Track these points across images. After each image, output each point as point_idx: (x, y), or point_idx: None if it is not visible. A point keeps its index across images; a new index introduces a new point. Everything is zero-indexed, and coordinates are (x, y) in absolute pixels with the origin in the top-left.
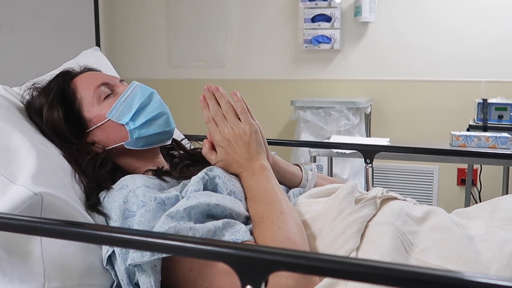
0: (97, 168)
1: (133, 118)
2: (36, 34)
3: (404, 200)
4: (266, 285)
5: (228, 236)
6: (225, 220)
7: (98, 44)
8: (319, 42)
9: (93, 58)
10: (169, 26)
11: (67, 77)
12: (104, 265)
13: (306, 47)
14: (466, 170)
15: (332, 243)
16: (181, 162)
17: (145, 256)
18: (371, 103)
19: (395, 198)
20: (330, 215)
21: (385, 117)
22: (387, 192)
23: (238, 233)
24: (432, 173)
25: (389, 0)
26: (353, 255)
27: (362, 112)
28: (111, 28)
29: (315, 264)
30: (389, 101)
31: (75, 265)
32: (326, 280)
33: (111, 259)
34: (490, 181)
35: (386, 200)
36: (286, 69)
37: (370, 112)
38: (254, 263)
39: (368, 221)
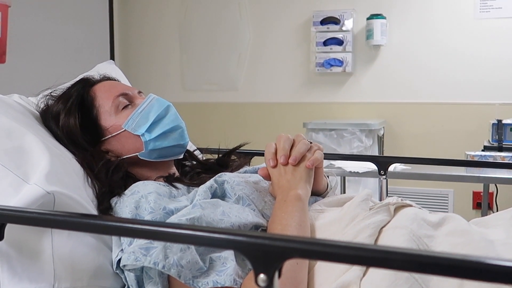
0: (110, 174)
1: (149, 130)
2: (51, 54)
3: (420, 208)
4: (280, 274)
5: (212, 277)
6: (217, 255)
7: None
8: (331, 65)
9: (108, 71)
10: (182, 49)
11: (87, 84)
12: (114, 269)
13: (318, 70)
14: (481, 194)
15: None
16: (192, 170)
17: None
18: (384, 125)
19: (410, 205)
20: (344, 222)
21: (398, 139)
22: (401, 200)
23: (223, 274)
24: (447, 197)
25: (401, 23)
26: None
27: (375, 134)
28: (124, 52)
29: (328, 250)
30: (402, 123)
31: (85, 266)
32: (336, 284)
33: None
34: (506, 205)
35: (400, 207)
36: (299, 92)
37: (383, 134)
38: (267, 251)
39: (382, 227)
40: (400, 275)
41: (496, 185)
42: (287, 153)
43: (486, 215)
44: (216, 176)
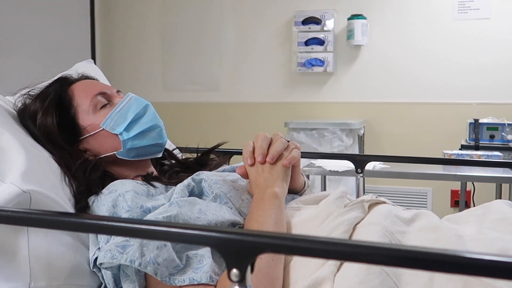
0: (88, 172)
1: (127, 129)
2: (31, 53)
3: (394, 205)
4: (252, 269)
5: (188, 274)
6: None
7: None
8: (313, 65)
9: (86, 70)
10: (164, 49)
11: (64, 83)
12: (91, 267)
13: (299, 70)
14: (459, 192)
15: None
16: (170, 169)
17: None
18: (364, 125)
19: (384, 202)
20: (319, 219)
21: (378, 138)
22: (376, 197)
23: (200, 271)
24: (426, 195)
25: (381, 24)
26: None
27: (355, 134)
28: (106, 51)
29: (299, 244)
30: (382, 122)
31: (62, 265)
32: (311, 280)
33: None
34: (483, 202)
35: (374, 204)
36: (280, 92)
37: (363, 134)
38: (240, 246)
39: (356, 224)
40: (372, 270)
41: (473, 183)
42: (265, 151)
43: None
44: (194, 174)
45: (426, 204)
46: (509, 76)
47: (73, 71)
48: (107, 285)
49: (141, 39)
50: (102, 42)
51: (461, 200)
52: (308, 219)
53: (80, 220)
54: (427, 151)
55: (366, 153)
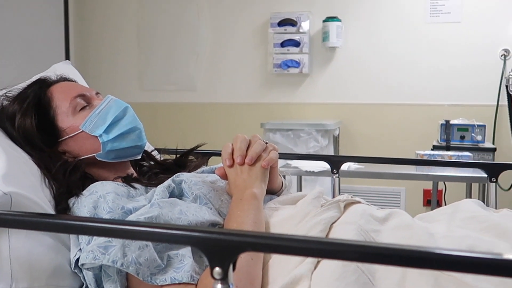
0: (68, 174)
1: (106, 131)
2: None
3: (368, 204)
4: (234, 267)
5: (170, 274)
6: (174, 253)
7: None
8: (288, 66)
9: (64, 71)
10: (140, 49)
11: (43, 85)
12: (72, 268)
13: (275, 71)
14: (431, 191)
15: None
16: (149, 170)
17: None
18: (339, 126)
19: (359, 202)
20: (296, 219)
21: (353, 139)
22: (351, 197)
23: (181, 270)
24: (399, 195)
25: (356, 26)
26: None
27: (330, 134)
28: (80, 52)
29: (278, 243)
30: (357, 123)
31: (43, 266)
32: (290, 278)
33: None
34: (454, 201)
35: (350, 204)
36: (256, 93)
37: (338, 134)
38: (222, 245)
39: (333, 223)
40: (348, 268)
41: (444, 183)
42: (244, 153)
43: None
44: (174, 176)
45: (399, 203)
46: (478, 78)
47: (51, 73)
48: (89, 285)
49: (116, 39)
50: (76, 42)
51: (433, 199)
52: (286, 219)
53: (64, 222)
54: (400, 151)
55: (341, 153)
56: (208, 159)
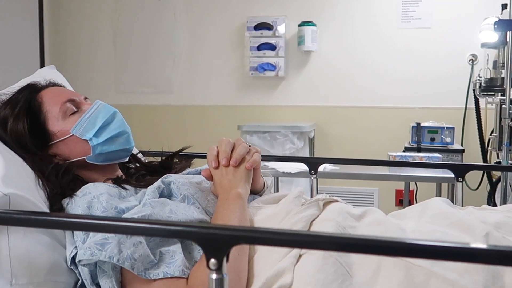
0: (60, 176)
1: (96, 135)
2: None
3: (345, 203)
4: (227, 259)
5: (162, 268)
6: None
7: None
8: (265, 70)
9: (49, 76)
10: (116, 51)
11: (33, 90)
12: (68, 265)
13: (252, 74)
14: (403, 191)
15: None
16: (136, 172)
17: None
18: (314, 128)
19: (336, 201)
20: (279, 216)
21: (328, 140)
22: (329, 196)
23: (173, 265)
24: (373, 195)
25: (330, 31)
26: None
27: (306, 136)
28: (55, 54)
29: (267, 236)
30: (331, 125)
31: (41, 263)
32: (273, 271)
33: (75, 259)
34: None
35: (328, 202)
36: (233, 95)
37: (313, 136)
38: (218, 239)
39: (312, 221)
40: (328, 260)
41: (416, 183)
42: (228, 155)
43: None
44: (163, 177)
45: (373, 203)
46: (448, 82)
47: (37, 77)
48: (84, 281)
49: (92, 41)
50: (51, 44)
51: (405, 199)
52: (269, 217)
53: (58, 219)
54: (373, 152)
55: (316, 155)
56: (191, 161)
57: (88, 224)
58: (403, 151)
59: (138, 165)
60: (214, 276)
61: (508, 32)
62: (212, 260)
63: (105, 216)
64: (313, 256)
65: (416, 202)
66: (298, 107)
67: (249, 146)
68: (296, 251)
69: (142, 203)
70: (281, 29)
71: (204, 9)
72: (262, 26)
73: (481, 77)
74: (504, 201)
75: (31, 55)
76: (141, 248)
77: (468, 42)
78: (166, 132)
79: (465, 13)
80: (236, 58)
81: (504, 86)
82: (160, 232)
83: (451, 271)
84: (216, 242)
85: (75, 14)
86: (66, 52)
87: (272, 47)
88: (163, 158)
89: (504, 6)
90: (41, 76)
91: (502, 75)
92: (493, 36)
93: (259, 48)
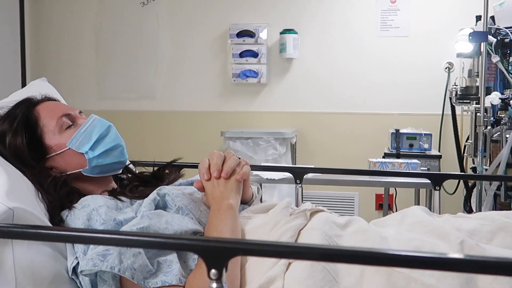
0: (58, 189)
1: (92, 148)
2: None
3: (330, 212)
4: (226, 269)
5: (160, 277)
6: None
7: (24, 74)
8: (247, 76)
9: (42, 88)
10: (98, 57)
11: (30, 104)
12: (70, 275)
13: (234, 80)
14: (383, 196)
15: None
16: (129, 183)
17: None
18: (296, 134)
19: (322, 211)
20: (268, 226)
21: (309, 146)
22: (315, 206)
23: (170, 274)
24: (353, 199)
25: (312, 38)
26: None
27: (288, 142)
28: (36, 59)
29: (264, 248)
30: (313, 131)
31: (44, 273)
32: (265, 278)
33: (75, 270)
34: (405, 205)
35: (315, 212)
36: (216, 101)
37: (295, 142)
38: (218, 251)
39: (300, 230)
40: (316, 267)
41: (395, 189)
42: (220, 167)
43: (387, 215)
44: (157, 189)
45: (353, 207)
46: (425, 89)
47: (31, 91)
48: None
49: (74, 47)
50: (32, 50)
51: (384, 204)
52: (259, 226)
53: (59, 233)
54: (353, 158)
55: (298, 160)
56: (180, 171)
57: (93, 238)
58: (383, 157)
59: (131, 176)
60: (214, 285)
61: (482, 43)
62: (213, 271)
63: (111, 230)
64: (301, 264)
65: (396, 207)
66: (280, 113)
67: (239, 158)
68: (285, 260)
69: (140, 215)
70: (263, 36)
71: (186, 16)
72: (245, 33)
73: (457, 85)
74: (479, 206)
75: (12, 61)
76: (140, 258)
77: (445, 50)
78: (149, 138)
79: (441, 23)
80: (218, 64)
81: (479, 95)
82: (164, 245)
83: (429, 276)
84: (217, 253)
85: (57, 19)
86: (48, 58)
87: (254, 54)
88: (155, 168)
89: (478, 18)
90: (34, 88)
91: (477, 84)
92: (468, 47)
93: (241, 55)
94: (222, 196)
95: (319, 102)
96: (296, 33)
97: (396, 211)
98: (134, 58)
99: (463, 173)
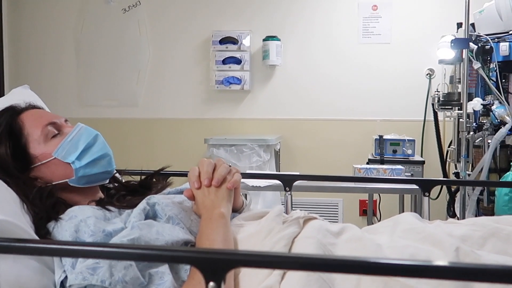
0: (44, 200)
1: (79, 158)
2: None
3: (322, 220)
4: (224, 282)
5: None
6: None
7: (1, 82)
8: (230, 83)
9: (24, 96)
10: (79, 64)
11: (14, 113)
12: None
13: (217, 87)
14: (366, 201)
15: None
16: (116, 193)
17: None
18: (280, 140)
19: (315, 218)
20: (262, 234)
21: (293, 153)
22: (308, 213)
23: (162, 286)
24: (337, 205)
25: (294, 45)
26: None
27: (272, 149)
28: (15, 65)
29: (263, 259)
30: (297, 138)
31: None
32: (262, 286)
33: (63, 284)
34: (388, 210)
35: (307, 220)
36: (199, 108)
37: (279, 149)
38: (217, 262)
39: (294, 238)
40: (311, 277)
41: (379, 194)
42: (210, 176)
43: (372, 220)
44: (146, 199)
45: (337, 213)
46: (407, 95)
47: (13, 98)
48: None
49: (52, 53)
50: (11, 56)
51: (369, 210)
52: (252, 235)
53: (46, 246)
54: (337, 164)
55: (282, 167)
56: (167, 179)
57: (83, 251)
58: (367, 163)
59: (117, 185)
60: None
61: (464, 50)
62: (211, 284)
63: (101, 242)
64: (297, 273)
65: (380, 212)
66: (264, 120)
67: (230, 166)
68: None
69: (130, 225)
70: (246, 43)
71: (169, 23)
72: (227, 40)
73: (439, 91)
74: (463, 211)
75: None
76: (132, 270)
77: (426, 57)
78: (132, 146)
79: (422, 30)
80: (201, 71)
81: (461, 101)
82: (159, 258)
83: (425, 284)
84: (215, 265)
85: (37, 26)
86: (28, 65)
87: (238, 61)
88: (142, 177)
89: (459, 25)
90: (16, 96)
91: (459, 90)
92: (450, 53)
93: (224, 61)
94: (213, 204)
95: (302, 108)
96: (279, 40)
97: (380, 216)
98: (116, 65)
99: (451, 179)
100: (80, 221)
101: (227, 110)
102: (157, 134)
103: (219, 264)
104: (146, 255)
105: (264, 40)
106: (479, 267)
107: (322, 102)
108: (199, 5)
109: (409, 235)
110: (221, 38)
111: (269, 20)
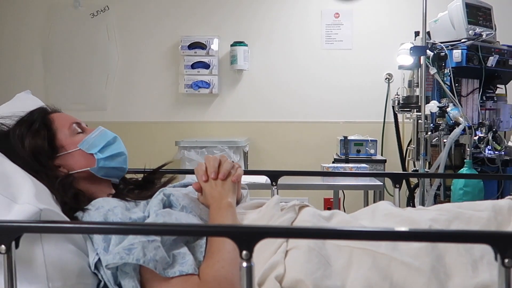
0: (67, 189)
1: (101, 151)
2: None
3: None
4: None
5: (177, 268)
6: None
7: None
8: (199, 87)
9: (28, 100)
10: (45, 68)
11: (45, 112)
12: (92, 269)
13: (187, 91)
14: (331, 200)
15: (266, 241)
16: (125, 188)
17: (123, 259)
18: (248, 142)
19: (308, 206)
20: (264, 220)
21: (260, 154)
22: (302, 202)
23: (185, 264)
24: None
25: (261, 51)
26: (284, 246)
27: (241, 150)
28: None
29: (283, 231)
30: (264, 140)
31: (72, 268)
32: (268, 264)
33: (96, 265)
34: (352, 207)
35: (302, 207)
36: (169, 112)
37: (247, 151)
38: (249, 234)
39: (292, 222)
40: (312, 253)
41: (343, 192)
42: (216, 170)
43: None
44: (161, 190)
45: None
46: (367, 99)
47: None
48: (107, 282)
49: (22, 58)
50: None
51: (334, 207)
52: (254, 220)
53: (90, 226)
54: (303, 164)
55: (250, 167)
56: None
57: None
58: (333, 162)
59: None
60: (245, 264)
61: (421, 57)
62: (244, 252)
63: (151, 223)
64: (299, 251)
65: (344, 209)
66: (232, 122)
67: (233, 162)
68: (283, 248)
69: (154, 213)
70: (214, 48)
71: (137, 28)
72: (196, 45)
73: (399, 95)
74: (422, 205)
75: None
76: (160, 251)
77: (385, 62)
78: None
79: (382, 37)
80: (170, 75)
81: (420, 103)
82: (201, 233)
83: (406, 256)
84: (248, 237)
85: (4, 29)
86: None
87: (206, 66)
88: (145, 174)
89: (417, 33)
90: (19, 101)
91: (417, 93)
92: (409, 60)
93: (193, 66)
94: (221, 195)
95: (269, 111)
96: (246, 45)
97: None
98: (84, 69)
99: (420, 172)
100: (108, 211)
101: (196, 113)
102: (127, 137)
103: (251, 236)
104: (191, 231)
105: (232, 45)
106: (423, 231)
107: (288, 105)
108: (167, 11)
109: (388, 219)
110: (190, 43)
111: (237, 26)
